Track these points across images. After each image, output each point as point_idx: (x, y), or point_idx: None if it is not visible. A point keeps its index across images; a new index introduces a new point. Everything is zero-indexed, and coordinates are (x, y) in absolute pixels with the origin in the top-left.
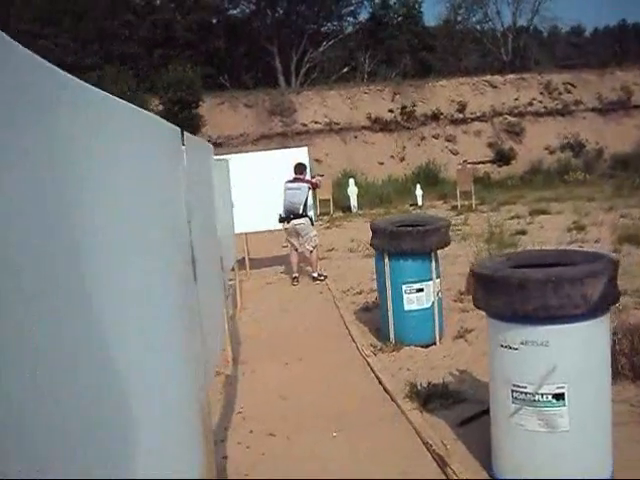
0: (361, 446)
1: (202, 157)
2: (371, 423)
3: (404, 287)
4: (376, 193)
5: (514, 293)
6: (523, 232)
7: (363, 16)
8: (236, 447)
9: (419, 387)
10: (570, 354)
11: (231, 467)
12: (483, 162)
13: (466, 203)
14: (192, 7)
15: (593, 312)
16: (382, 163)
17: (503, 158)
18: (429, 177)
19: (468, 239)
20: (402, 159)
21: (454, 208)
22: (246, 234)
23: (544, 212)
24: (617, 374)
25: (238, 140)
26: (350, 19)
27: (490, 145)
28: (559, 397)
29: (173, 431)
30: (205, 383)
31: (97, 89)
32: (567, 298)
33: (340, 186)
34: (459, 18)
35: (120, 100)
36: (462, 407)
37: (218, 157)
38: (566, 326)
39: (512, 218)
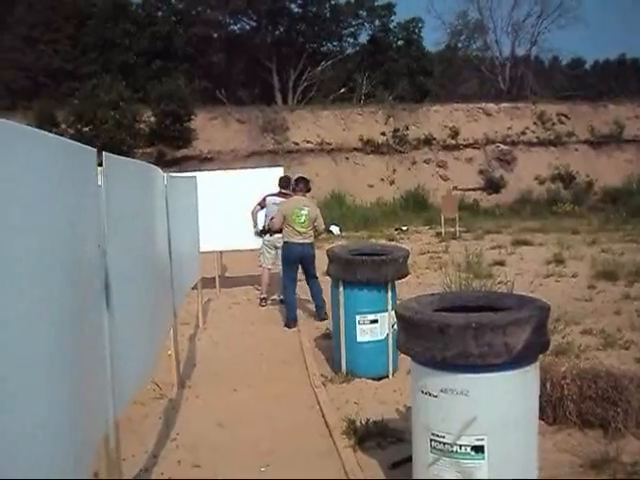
0: None
1: (138, 179)
2: (303, 459)
3: (358, 317)
4: (363, 215)
5: (433, 338)
6: (502, 263)
7: (363, 38)
8: (158, 478)
9: (358, 424)
10: (491, 405)
11: None
12: (473, 189)
13: (451, 230)
14: (193, 21)
15: (517, 362)
16: (372, 186)
17: (493, 186)
18: (418, 202)
19: (446, 268)
20: (392, 182)
21: (439, 234)
22: (220, 252)
23: (527, 243)
24: (564, 420)
25: (229, 156)
26: (350, 40)
27: (481, 172)
28: (478, 449)
29: None
30: (111, 422)
31: None
32: (488, 346)
33: (328, 207)
34: (459, 45)
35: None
36: (399, 448)
37: (186, 175)
38: (487, 375)
39: (494, 248)
